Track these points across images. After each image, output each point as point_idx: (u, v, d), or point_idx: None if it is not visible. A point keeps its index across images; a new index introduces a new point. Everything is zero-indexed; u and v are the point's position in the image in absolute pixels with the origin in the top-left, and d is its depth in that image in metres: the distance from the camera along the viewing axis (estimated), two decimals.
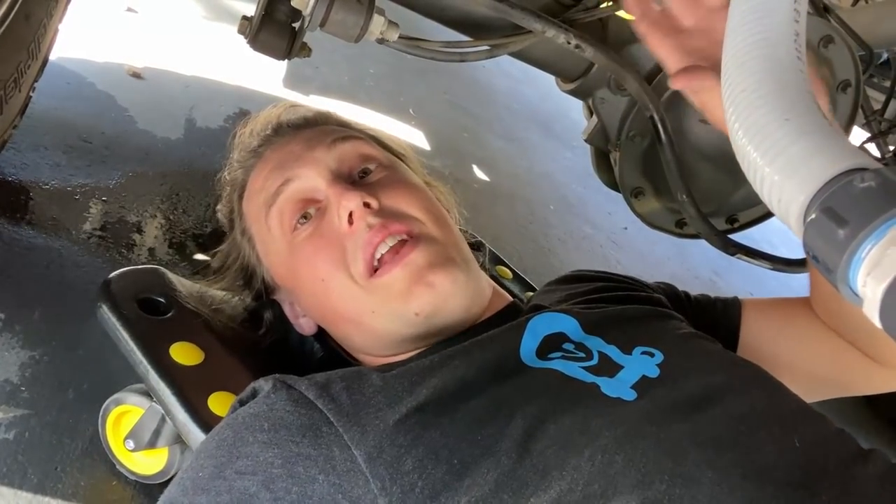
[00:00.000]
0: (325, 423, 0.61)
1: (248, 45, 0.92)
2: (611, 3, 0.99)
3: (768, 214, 1.20)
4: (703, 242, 0.98)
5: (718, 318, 0.90)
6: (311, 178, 0.79)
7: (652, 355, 0.69)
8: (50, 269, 1.15)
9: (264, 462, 0.59)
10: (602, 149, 1.15)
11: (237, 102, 1.90)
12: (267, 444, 0.60)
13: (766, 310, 0.92)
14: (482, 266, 0.86)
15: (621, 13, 1.03)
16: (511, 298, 0.85)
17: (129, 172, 1.44)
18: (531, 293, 1.22)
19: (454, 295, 0.74)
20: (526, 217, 2.20)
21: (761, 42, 0.46)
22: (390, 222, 0.74)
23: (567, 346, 0.72)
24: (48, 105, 1.46)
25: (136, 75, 1.79)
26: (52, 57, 1.22)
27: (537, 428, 0.59)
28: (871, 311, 0.34)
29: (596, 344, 0.72)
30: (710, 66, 0.68)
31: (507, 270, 1.31)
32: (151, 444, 0.87)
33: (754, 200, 1.17)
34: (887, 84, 1.29)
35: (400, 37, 0.85)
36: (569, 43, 0.85)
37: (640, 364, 0.68)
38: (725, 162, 1.08)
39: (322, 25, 0.80)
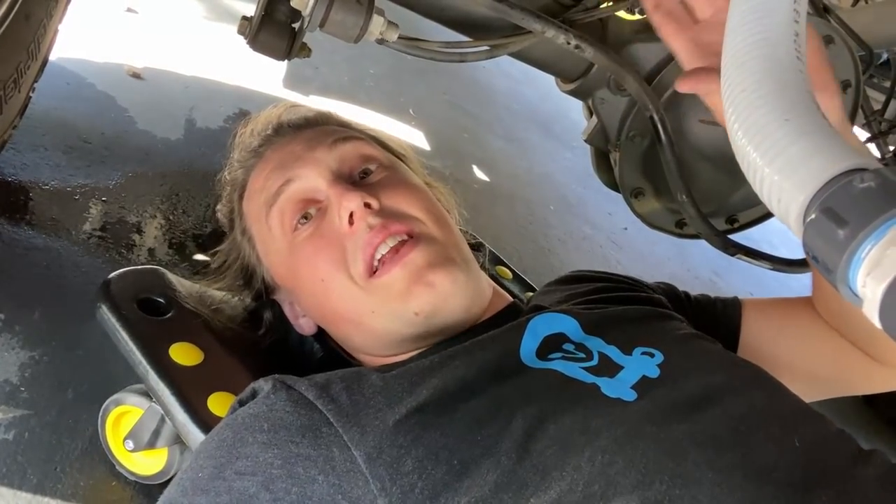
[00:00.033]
0: (325, 423, 0.61)
1: (247, 46, 0.92)
2: (611, 4, 0.99)
3: (768, 215, 1.20)
4: (703, 243, 0.98)
5: (718, 318, 0.90)
6: (312, 178, 0.79)
7: (652, 356, 0.69)
8: (50, 269, 1.15)
9: (264, 463, 0.59)
10: (602, 149, 1.15)
11: (237, 103, 1.90)
12: (266, 445, 0.60)
13: (766, 310, 0.92)
14: (482, 266, 0.86)
15: (621, 13, 1.03)
16: (511, 299, 0.85)
17: (129, 173, 1.44)
18: (531, 293, 1.22)
19: (454, 295, 0.74)
20: (526, 217, 2.20)
21: (761, 42, 0.46)
22: (391, 222, 0.74)
23: (567, 346, 0.72)
24: (48, 105, 1.46)
25: (136, 76, 1.79)
26: (52, 57, 1.22)
27: (537, 428, 0.59)
28: (871, 311, 0.34)
29: (596, 344, 0.72)
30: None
31: (507, 271, 1.31)
32: (151, 445, 0.87)
33: (754, 201, 1.17)
34: (887, 84, 1.29)
35: (399, 37, 0.85)
36: (568, 43, 0.85)
37: (641, 364, 0.68)
38: (725, 162, 1.07)
39: (321, 26, 0.80)
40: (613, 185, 1.18)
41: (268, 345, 0.91)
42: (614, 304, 0.83)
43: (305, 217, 0.79)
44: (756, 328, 0.89)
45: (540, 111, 3.14)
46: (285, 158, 0.82)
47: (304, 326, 0.88)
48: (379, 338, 0.77)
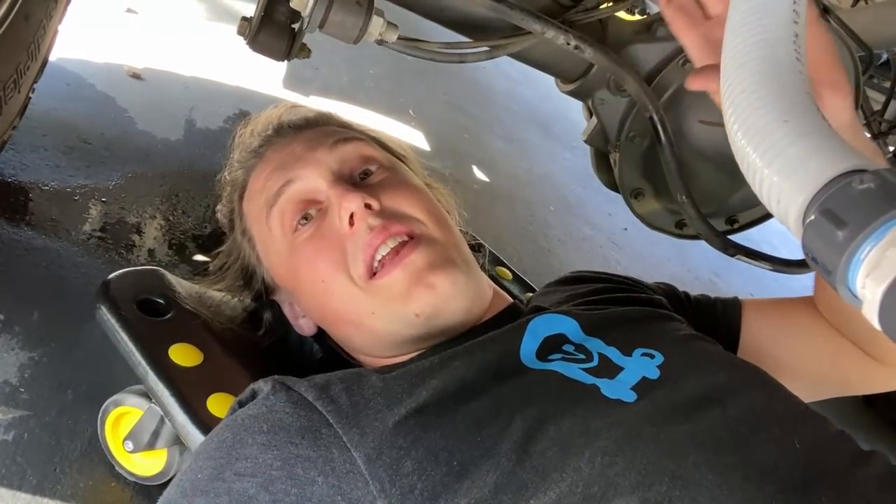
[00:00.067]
0: (325, 424, 0.61)
1: (247, 47, 0.92)
2: (610, 4, 0.99)
3: (768, 215, 1.20)
4: (702, 243, 0.98)
5: (719, 319, 0.90)
6: (313, 178, 0.79)
7: (652, 357, 0.69)
8: (49, 270, 1.15)
9: (263, 464, 0.59)
10: (602, 150, 1.15)
11: (237, 103, 1.90)
12: (266, 446, 0.60)
13: (766, 310, 0.92)
14: (482, 267, 0.86)
15: (621, 14, 1.03)
16: (511, 300, 0.85)
17: (129, 173, 1.44)
18: (531, 294, 1.22)
19: (454, 296, 0.73)
20: (526, 218, 2.20)
21: (760, 43, 0.46)
22: (391, 223, 0.74)
23: (567, 347, 0.72)
24: (48, 106, 1.46)
25: (136, 76, 1.79)
26: (52, 58, 1.22)
27: (537, 429, 0.59)
28: (870, 312, 0.33)
29: (596, 345, 0.72)
30: None
31: (507, 271, 1.31)
32: (150, 446, 0.87)
33: (754, 201, 1.17)
34: (887, 85, 1.29)
35: (399, 38, 0.85)
36: (568, 44, 0.85)
37: (641, 365, 0.68)
38: (725, 163, 1.07)
39: (321, 27, 0.80)
40: (613, 186, 1.18)
41: (267, 345, 0.91)
42: (614, 304, 0.83)
43: (306, 218, 0.79)
44: (756, 328, 0.89)
45: (540, 112, 3.14)
46: (286, 159, 0.82)
47: (304, 327, 0.87)
48: (379, 339, 0.77)
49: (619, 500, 0.53)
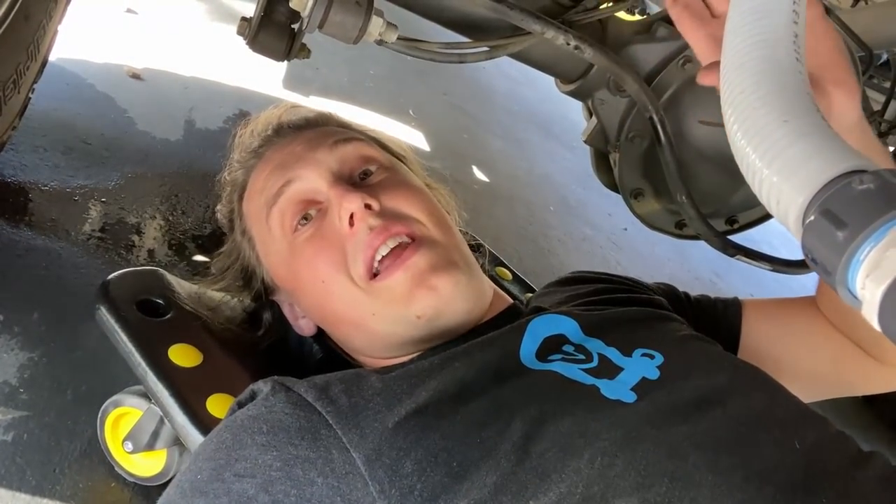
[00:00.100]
0: (324, 425, 0.61)
1: (247, 47, 0.92)
2: (610, 4, 0.99)
3: (768, 216, 1.19)
4: (702, 244, 0.98)
5: (719, 319, 0.90)
6: (313, 179, 0.79)
7: (652, 357, 0.69)
8: (49, 270, 1.15)
9: (263, 465, 0.59)
10: (602, 150, 1.15)
11: (237, 103, 1.90)
12: (265, 447, 0.60)
13: (766, 310, 0.92)
14: (481, 267, 0.86)
15: (621, 14, 1.03)
16: (511, 300, 0.85)
17: (129, 174, 1.44)
18: (531, 294, 1.22)
19: (456, 298, 0.73)
20: (525, 218, 2.20)
21: (760, 43, 0.46)
22: (391, 224, 0.74)
23: (567, 347, 0.72)
24: (47, 106, 1.46)
25: (136, 76, 1.79)
26: (52, 58, 1.22)
27: (537, 430, 0.59)
28: (870, 313, 0.33)
29: (596, 346, 0.72)
30: None
31: (507, 272, 1.31)
32: (150, 446, 0.87)
33: (754, 202, 1.17)
34: (887, 85, 1.29)
35: (399, 38, 0.85)
36: (568, 44, 0.85)
37: (641, 366, 0.68)
38: (725, 163, 1.07)
39: (321, 27, 0.80)
40: (613, 186, 1.18)
41: (267, 346, 0.91)
42: (614, 305, 0.83)
43: (306, 218, 0.79)
44: (756, 329, 0.89)
45: (540, 112, 3.14)
46: (286, 159, 0.82)
47: (304, 327, 0.87)
48: (380, 340, 0.77)
49: (618, 500, 0.53)
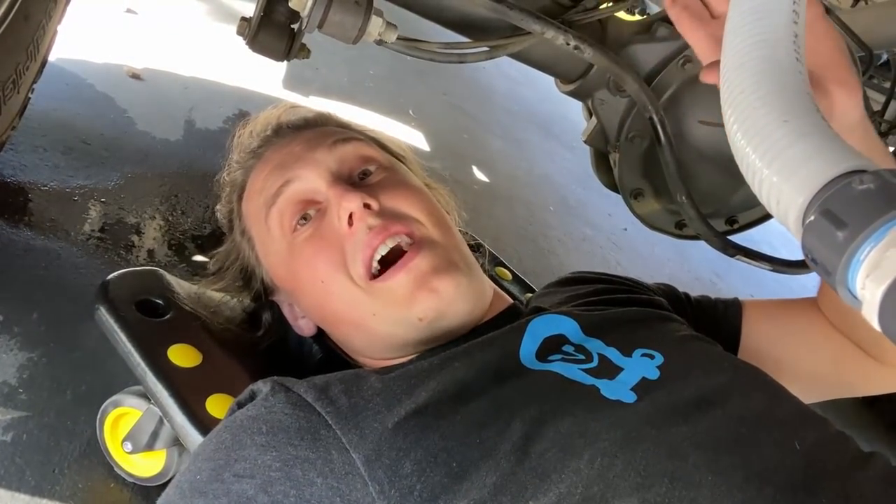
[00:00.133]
0: (324, 425, 0.61)
1: (246, 47, 0.92)
2: (610, 4, 0.99)
3: (768, 216, 1.19)
4: (702, 244, 0.98)
5: (719, 320, 0.90)
6: (312, 179, 0.79)
7: (652, 357, 0.69)
8: (48, 270, 1.15)
9: (262, 465, 0.59)
10: (601, 150, 1.15)
11: (236, 104, 1.90)
12: (265, 447, 0.60)
13: (767, 311, 0.92)
14: (481, 267, 0.86)
15: (621, 14, 1.03)
16: (511, 300, 0.85)
17: (128, 174, 1.44)
18: (530, 295, 1.22)
19: (457, 300, 0.73)
20: (525, 218, 2.20)
21: (760, 43, 0.46)
22: (391, 223, 0.74)
23: (567, 348, 0.72)
24: (47, 106, 1.46)
25: (136, 76, 1.79)
26: (52, 58, 1.22)
27: (537, 431, 0.59)
28: (870, 313, 0.33)
29: (596, 346, 0.72)
30: None
31: (507, 272, 1.31)
32: (149, 447, 0.87)
33: (754, 202, 1.17)
34: (887, 85, 1.29)
35: (398, 38, 0.85)
36: (568, 44, 0.85)
37: (640, 366, 0.67)
38: (725, 163, 1.07)
39: (320, 27, 0.80)
40: (613, 186, 1.17)
41: (266, 346, 0.91)
42: (614, 305, 0.82)
43: (305, 218, 0.79)
44: (757, 330, 0.89)
45: (539, 112, 3.14)
46: (285, 159, 0.82)
47: (304, 328, 0.87)
48: (380, 340, 0.77)
49: (618, 501, 0.53)
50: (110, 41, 1.86)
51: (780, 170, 0.39)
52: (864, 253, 0.34)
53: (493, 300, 0.81)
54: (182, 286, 0.96)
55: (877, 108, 1.23)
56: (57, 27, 1.18)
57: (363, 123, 0.96)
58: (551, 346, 0.72)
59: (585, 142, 1.14)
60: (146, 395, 0.85)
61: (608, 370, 0.67)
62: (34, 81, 1.18)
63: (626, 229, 2.42)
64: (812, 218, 0.37)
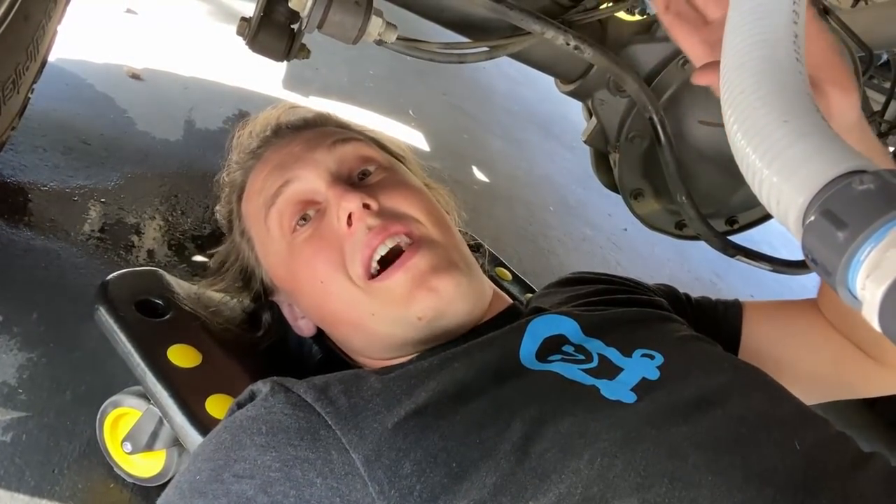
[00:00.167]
0: (323, 426, 0.61)
1: (246, 47, 0.92)
2: (610, 4, 0.99)
3: (768, 216, 1.19)
4: (702, 244, 0.98)
5: (719, 321, 0.90)
6: (311, 179, 0.79)
7: (652, 357, 0.69)
8: (48, 270, 1.15)
9: (262, 465, 0.59)
10: (601, 150, 1.15)
11: (236, 104, 1.90)
12: (265, 448, 0.60)
13: (767, 312, 0.92)
14: (481, 267, 0.86)
15: (620, 14, 1.03)
16: (511, 300, 0.85)
17: (128, 174, 1.44)
18: (530, 295, 1.22)
19: (457, 299, 0.73)
20: (525, 218, 2.20)
21: (760, 43, 0.45)
22: (390, 223, 0.74)
23: (567, 348, 0.72)
24: (47, 106, 1.46)
25: (136, 77, 1.79)
26: (51, 58, 1.22)
27: (536, 431, 0.59)
28: (870, 314, 0.33)
29: (596, 346, 0.71)
30: None
31: (507, 272, 1.30)
32: (149, 447, 0.87)
33: (754, 202, 1.17)
34: (887, 85, 1.29)
35: (398, 38, 0.85)
36: (568, 44, 0.85)
37: (641, 366, 0.67)
38: (725, 163, 1.07)
39: (320, 27, 0.80)
40: (613, 187, 1.18)
41: (266, 347, 0.91)
42: (614, 306, 0.82)
43: (304, 218, 0.79)
44: (757, 331, 0.89)
45: (539, 112, 3.14)
46: (284, 159, 0.82)
47: (304, 328, 0.87)
48: (379, 340, 0.77)
49: (618, 501, 0.53)
50: (110, 41, 1.86)
51: (780, 170, 0.39)
52: (865, 253, 0.34)
53: (492, 300, 0.81)
54: (182, 286, 0.96)
55: (877, 108, 1.23)
56: (57, 27, 1.18)
57: (363, 123, 0.96)
58: (551, 346, 0.72)
59: (585, 142, 1.14)
60: (146, 396, 0.85)
61: (608, 370, 0.67)
62: (34, 81, 1.18)
63: (626, 229, 2.42)
64: (812, 218, 0.37)
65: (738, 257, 0.90)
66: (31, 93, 1.19)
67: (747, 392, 0.65)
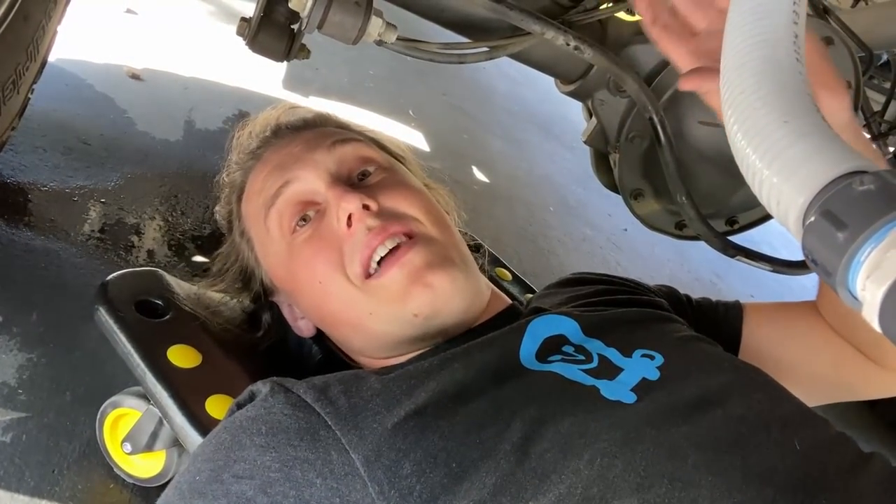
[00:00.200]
0: (323, 426, 0.61)
1: (246, 47, 0.92)
2: (610, 5, 0.99)
3: (768, 216, 1.19)
4: (702, 244, 0.98)
5: (720, 322, 0.90)
6: (311, 180, 0.79)
7: (652, 358, 0.69)
8: (48, 270, 1.15)
9: (262, 466, 0.59)
10: (602, 150, 1.15)
11: (236, 104, 1.90)
12: (264, 448, 0.60)
13: (767, 313, 0.92)
14: (481, 268, 0.86)
15: (620, 15, 1.03)
16: (510, 301, 0.85)
17: (128, 174, 1.44)
18: (530, 295, 1.22)
19: (453, 296, 0.73)
20: (525, 219, 2.20)
21: (760, 43, 0.45)
22: (390, 224, 0.74)
23: (567, 348, 0.72)
24: (47, 107, 1.46)
25: (136, 77, 1.79)
26: (51, 58, 1.22)
27: (536, 431, 0.59)
28: (871, 314, 0.33)
29: (596, 346, 0.71)
30: None
31: (507, 272, 1.30)
32: (149, 447, 0.87)
33: (754, 202, 1.17)
34: (887, 85, 1.29)
35: (398, 38, 0.85)
36: (568, 44, 0.85)
37: (641, 367, 0.67)
38: (725, 164, 1.07)
39: (320, 27, 0.80)
40: (613, 187, 1.17)
41: (266, 347, 0.91)
42: (614, 306, 0.82)
43: (304, 219, 0.78)
44: (757, 332, 0.89)
45: (539, 112, 3.14)
46: (284, 160, 0.82)
47: (303, 328, 0.87)
48: (377, 339, 0.77)
49: (618, 501, 0.53)
50: (110, 41, 1.86)
51: (780, 170, 0.39)
52: (865, 254, 0.34)
53: (492, 301, 0.81)
54: (182, 287, 0.96)
55: (877, 108, 1.23)
56: (57, 27, 1.18)
57: (363, 124, 0.96)
58: (551, 346, 0.72)
59: (585, 142, 1.14)
60: (146, 396, 0.85)
61: (608, 371, 0.67)
62: (34, 82, 1.18)
63: (626, 230, 2.42)
64: (812, 219, 0.37)
65: (738, 257, 0.90)
66: (31, 93, 1.19)
67: (747, 392, 0.65)
